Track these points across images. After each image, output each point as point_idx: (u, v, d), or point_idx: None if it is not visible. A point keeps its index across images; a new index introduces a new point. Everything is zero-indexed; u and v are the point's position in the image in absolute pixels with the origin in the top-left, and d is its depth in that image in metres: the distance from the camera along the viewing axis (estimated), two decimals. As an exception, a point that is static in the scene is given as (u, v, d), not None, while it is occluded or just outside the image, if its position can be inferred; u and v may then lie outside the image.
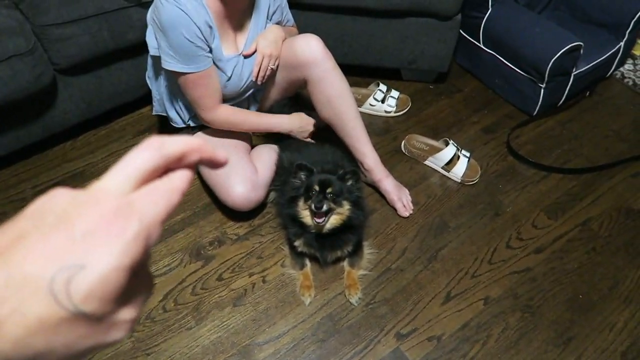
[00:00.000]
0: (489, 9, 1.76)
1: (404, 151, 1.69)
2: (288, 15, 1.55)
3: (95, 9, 1.45)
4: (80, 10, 1.43)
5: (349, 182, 1.28)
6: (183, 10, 1.21)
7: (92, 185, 0.27)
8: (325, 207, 1.23)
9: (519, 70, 1.74)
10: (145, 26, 1.40)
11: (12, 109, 1.45)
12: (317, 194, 1.24)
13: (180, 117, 1.50)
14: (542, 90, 1.70)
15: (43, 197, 0.27)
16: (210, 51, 1.31)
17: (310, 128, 1.56)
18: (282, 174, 1.46)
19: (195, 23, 1.23)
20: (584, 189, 1.61)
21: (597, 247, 1.46)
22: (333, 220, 1.28)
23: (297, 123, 1.54)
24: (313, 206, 1.23)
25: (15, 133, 1.53)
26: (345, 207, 1.27)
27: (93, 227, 0.25)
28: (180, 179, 0.30)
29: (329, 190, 1.24)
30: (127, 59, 1.62)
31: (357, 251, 1.38)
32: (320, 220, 1.26)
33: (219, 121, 1.41)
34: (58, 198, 0.27)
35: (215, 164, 0.34)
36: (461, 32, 1.85)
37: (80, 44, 1.47)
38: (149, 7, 1.39)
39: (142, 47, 1.44)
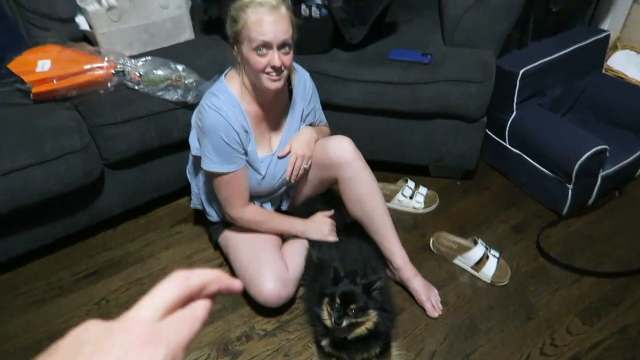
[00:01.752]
0: (513, 112, 1.84)
1: (432, 249, 1.70)
2: (321, 116, 1.66)
3: (146, 110, 1.58)
4: (132, 111, 1.57)
5: (374, 292, 1.24)
6: (223, 116, 1.32)
7: (124, 315, 0.32)
8: (345, 323, 1.20)
9: (545, 170, 1.77)
10: (189, 125, 1.52)
11: (62, 199, 1.55)
12: (339, 308, 1.21)
13: (216, 212, 1.57)
14: (570, 191, 1.72)
15: (77, 328, 0.32)
16: (245, 153, 1.40)
17: (327, 229, 1.57)
18: (311, 270, 1.49)
19: (233, 128, 1.33)
20: (619, 294, 1.57)
21: (636, 356, 1.39)
22: (357, 330, 1.25)
23: (312, 226, 1.57)
24: (333, 320, 1.21)
25: (62, 222, 1.62)
26: (371, 315, 1.24)
27: (127, 354, 0.29)
28: (202, 308, 0.36)
29: (352, 306, 1.20)
30: (170, 154, 1.73)
31: (385, 353, 1.35)
32: (341, 334, 1.25)
33: (244, 220, 1.48)
34: (91, 329, 0.31)
35: (232, 292, 0.39)
36: (487, 131, 1.92)
37: (129, 142, 1.59)
38: (193, 108, 1.52)
39: (185, 144, 1.55)
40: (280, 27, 1.24)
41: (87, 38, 1.81)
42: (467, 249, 1.64)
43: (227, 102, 1.34)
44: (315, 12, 1.68)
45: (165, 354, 0.30)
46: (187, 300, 0.35)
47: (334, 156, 1.46)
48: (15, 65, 1.55)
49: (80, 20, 1.79)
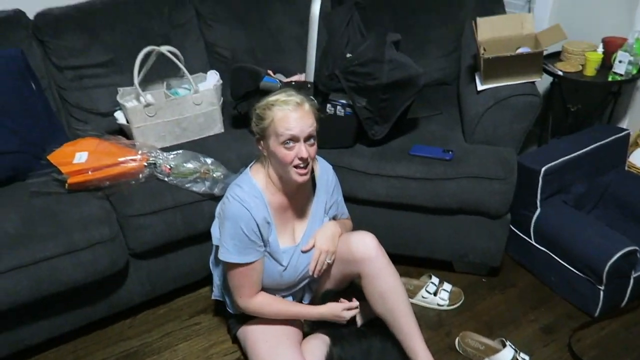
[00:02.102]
0: (537, 209, 1.83)
1: (458, 349, 1.63)
2: (343, 208, 1.68)
3: (174, 202, 1.63)
4: (161, 202, 1.61)
5: None
6: (245, 207, 1.35)
7: None
8: None
9: (575, 270, 1.72)
10: (214, 217, 1.56)
11: (84, 288, 1.56)
12: None
13: (237, 304, 1.55)
14: (602, 292, 1.66)
15: None
16: (264, 245, 1.41)
17: (343, 315, 1.50)
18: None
19: (255, 220, 1.36)
20: (663, 408, 1.45)
21: None
22: None
23: (327, 312, 1.51)
24: None
25: (81, 310, 1.62)
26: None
27: None
28: None
29: None
30: (194, 244, 1.75)
31: None
32: None
33: (252, 309, 1.46)
34: None
35: None
36: (512, 227, 1.90)
37: (156, 232, 1.62)
38: (219, 201, 1.56)
39: (209, 235, 1.57)
40: (306, 122, 1.31)
41: (123, 131, 1.91)
42: (495, 350, 1.57)
43: (250, 193, 1.38)
44: (340, 111, 1.76)
45: None
46: None
47: (357, 252, 1.46)
48: (55, 156, 1.64)
49: (119, 115, 1.90)
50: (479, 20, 1.89)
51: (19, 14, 1.88)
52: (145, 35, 2.03)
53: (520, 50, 1.85)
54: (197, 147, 1.83)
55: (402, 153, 1.78)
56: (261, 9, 2.22)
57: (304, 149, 1.32)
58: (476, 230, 1.79)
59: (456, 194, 1.71)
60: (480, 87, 1.83)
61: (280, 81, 1.80)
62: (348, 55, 1.67)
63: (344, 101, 1.74)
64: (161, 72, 2.01)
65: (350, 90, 1.69)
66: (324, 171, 1.56)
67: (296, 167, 1.33)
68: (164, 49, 1.84)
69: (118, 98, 1.87)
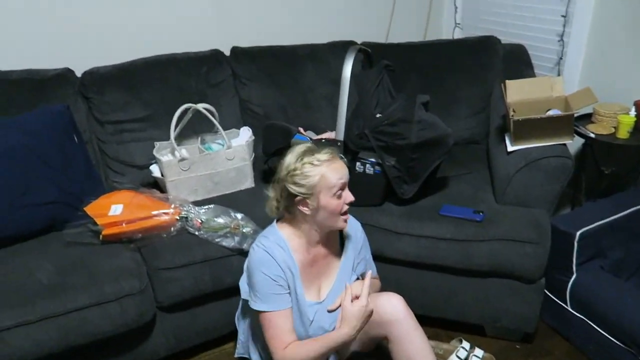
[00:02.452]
0: (573, 274, 1.76)
1: (491, 422, 1.54)
2: (372, 266, 1.66)
3: (203, 256, 1.64)
4: (190, 256, 1.63)
5: None
6: (269, 254, 1.37)
7: None
8: None
9: (615, 340, 1.64)
10: (242, 272, 1.56)
11: (109, 340, 1.56)
12: None
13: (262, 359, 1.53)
14: (646, 365, 1.56)
15: None
16: (291, 294, 1.40)
17: (356, 308, 1.39)
18: None
19: (279, 265, 1.37)
20: None
21: None
22: None
23: (355, 323, 1.41)
24: None
25: (106, 363, 1.62)
26: None
27: None
28: None
29: None
30: (220, 299, 1.74)
31: None
32: None
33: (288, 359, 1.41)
34: None
35: None
36: (547, 292, 1.84)
37: (183, 286, 1.63)
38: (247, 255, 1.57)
39: (236, 290, 1.56)
40: (345, 169, 1.38)
41: (158, 184, 1.97)
42: None
43: (275, 242, 1.40)
44: (369, 169, 1.77)
45: None
46: None
47: (385, 314, 1.43)
48: (92, 208, 1.69)
49: (154, 169, 1.96)
50: (508, 82, 1.91)
51: (68, 72, 2.00)
52: (183, 92, 2.13)
53: (550, 113, 1.85)
54: (228, 201, 1.86)
55: (431, 213, 1.77)
56: (293, 69, 2.31)
57: (349, 194, 1.37)
58: (509, 294, 1.74)
59: (487, 256, 1.67)
60: (510, 148, 1.83)
61: (310, 138, 1.85)
62: (378, 115, 1.70)
63: (373, 160, 1.76)
64: (196, 128, 2.09)
65: (380, 149, 1.71)
66: (353, 228, 1.56)
67: (344, 214, 1.38)
68: (201, 106, 1.92)
69: (154, 152, 1.93)
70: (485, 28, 2.72)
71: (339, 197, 1.36)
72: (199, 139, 2.08)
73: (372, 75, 1.76)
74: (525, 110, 1.87)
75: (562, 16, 2.26)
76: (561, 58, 2.34)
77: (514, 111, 1.84)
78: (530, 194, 1.77)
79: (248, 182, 2.02)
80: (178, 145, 1.94)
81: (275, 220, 1.48)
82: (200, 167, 1.90)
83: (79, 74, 2.04)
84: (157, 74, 2.11)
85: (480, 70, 2.33)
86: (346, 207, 1.39)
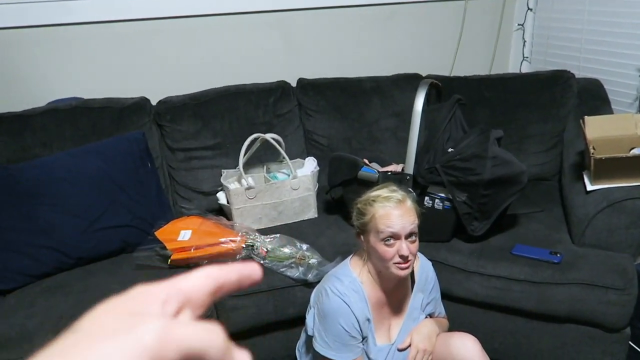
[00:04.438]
0: (662, 325, 1.63)
1: None
2: (440, 307, 1.60)
3: (267, 285, 1.64)
4: (255, 285, 1.62)
5: None
6: (346, 303, 1.31)
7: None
8: None
9: None
10: (305, 303, 1.53)
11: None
12: None
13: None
14: None
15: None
16: (363, 341, 1.35)
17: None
18: None
19: (355, 316, 1.31)
20: None
21: None
22: None
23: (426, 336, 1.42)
24: None
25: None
26: None
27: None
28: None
29: None
30: (281, 329, 1.72)
31: None
32: None
33: None
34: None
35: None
36: (631, 343, 1.69)
37: (247, 314, 1.62)
38: (312, 287, 1.54)
39: (297, 321, 1.54)
40: (407, 220, 1.28)
41: (223, 210, 2.00)
42: None
43: (350, 287, 1.35)
44: (439, 205, 1.73)
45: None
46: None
47: (458, 355, 1.36)
48: (162, 232, 1.73)
49: (220, 196, 2.00)
50: (588, 119, 1.83)
51: (144, 101, 2.10)
52: (251, 122, 2.17)
53: (635, 151, 1.75)
54: (292, 231, 1.86)
55: (503, 252, 1.69)
56: (358, 101, 2.32)
57: (404, 247, 1.28)
58: (588, 343, 1.61)
59: (565, 300, 1.57)
60: (590, 187, 1.73)
61: (377, 171, 1.82)
62: (450, 149, 1.66)
63: (442, 195, 1.71)
64: (262, 157, 2.13)
65: (450, 184, 1.67)
66: (424, 268, 1.51)
67: (397, 262, 1.30)
68: (269, 136, 1.95)
69: (222, 180, 1.97)
70: (555, 62, 2.64)
71: (390, 245, 1.28)
72: (265, 167, 2.10)
73: (445, 108, 1.73)
74: (606, 148, 1.77)
75: (644, 50, 2.16)
76: (642, 93, 2.22)
77: (593, 148, 1.75)
78: (612, 237, 1.66)
79: (311, 213, 2.01)
80: (245, 173, 1.97)
81: (349, 258, 1.46)
82: (265, 196, 1.92)
83: (154, 102, 2.13)
84: (227, 104, 2.17)
85: (553, 106, 2.25)
86: (398, 259, 1.29)
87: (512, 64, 2.92)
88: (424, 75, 2.48)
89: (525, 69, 2.85)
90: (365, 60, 2.59)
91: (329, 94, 2.31)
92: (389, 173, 1.91)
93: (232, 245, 1.67)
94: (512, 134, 2.24)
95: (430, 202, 1.73)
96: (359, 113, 2.31)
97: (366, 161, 2.06)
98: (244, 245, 1.69)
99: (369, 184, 1.81)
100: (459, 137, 1.70)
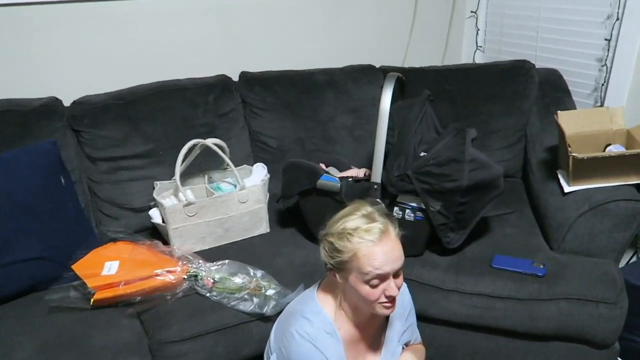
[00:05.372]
0: (648, 335, 1.52)
1: None
2: (416, 332, 1.41)
3: (217, 323, 1.37)
4: (201, 324, 1.35)
5: None
6: (319, 349, 1.09)
7: None
8: None
9: None
10: (262, 340, 1.33)
11: None
12: None
13: None
14: None
15: None
16: None
17: None
18: None
19: None
20: None
21: None
22: None
23: None
24: None
25: None
26: None
27: None
28: None
29: None
30: (236, 372, 1.46)
31: None
32: None
33: None
34: None
35: None
36: (620, 359, 1.58)
37: (194, 361, 1.35)
38: (271, 320, 1.31)
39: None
40: (395, 255, 1.07)
41: (158, 230, 1.70)
42: None
43: (321, 328, 1.12)
44: (409, 215, 1.53)
45: None
46: None
47: None
48: (81, 266, 1.41)
49: (154, 214, 1.70)
50: (561, 113, 1.69)
51: (55, 102, 1.74)
52: (188, 124, 1.88)
53: (611, 148, 1.63)
54: (242, 252, 1.62)
55: (482, 265, 1.52)
56: (310, 96, 2.08)
57: (393, 286, 1.07)
58: (575, 361, 1.48)
59: (553, 317, 1.42)
60: (568, 189, 1.60)
61: (339, 179, 1.59)
62: (422, 153, 1.46)
63: (414, 204, 1.51)
64: (202, 164, 1.84)
65: (424, 192, 1.47)
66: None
67: (382, 302, 1.08)
68: (211, 141, 1.67)
69: (155, 194, 1.67)
70: (509, 51, 2.53)
71: (375, 286, 1.07)
72: (206, 177, 1.82)
73: (415, 107, 1.52)
74: (581, 144, 1.64)
75: (606, 39, 2.06)
76: (603, 84, 2.13)
77: (569, 146, 1.62)
78: (594, 242, 1.53)
79: (263, 227, 1.76)
80: (182, 184, 1.68)
81: (315, 289, 1.22)
82: (209, 212, 1.64)
83: (67, 103, 1.77)
84: (159, 103, 1.85)
85: (516, 98, 2.11)
86: (384, 299, 1.09)
87: (465, 54, 2.78)
88: (377, 66, 2.27)
89: (479, 58, 2.72)
90: (313, 50, 2.34)
91: (277, 89, 2.05)
92: (350, 179, 1.69)
93: (171, 278, 1.38)
94: (475, 129, 2.08)
95: (401, 212, 1.53)
96: (312, 110, 2.07)
97: (323, 166, 1.83)
98: (185, 277, 1.41)
99: (330, 194, 1.58)
100: (431, 139, 1.51)
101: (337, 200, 1.56)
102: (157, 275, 1.38)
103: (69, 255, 1.46)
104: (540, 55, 2.37)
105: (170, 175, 1.76)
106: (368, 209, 1.12)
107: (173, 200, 1.67)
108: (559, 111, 1.70)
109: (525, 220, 1.78)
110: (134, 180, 1.79)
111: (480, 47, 2.70)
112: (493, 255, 1.55)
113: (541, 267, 1.47)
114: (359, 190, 1.53)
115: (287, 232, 1.77)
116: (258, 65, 2.12)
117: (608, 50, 2.08)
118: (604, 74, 2.12)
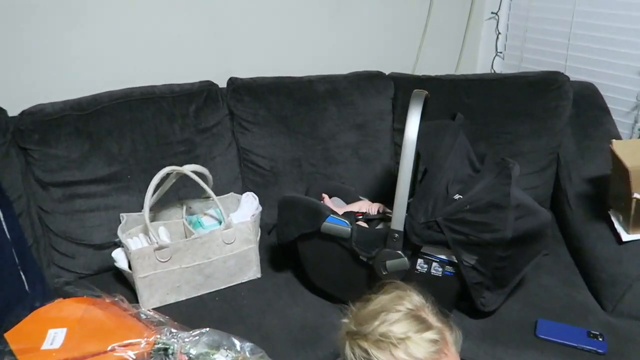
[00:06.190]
0: None
1: None
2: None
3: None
4: (171, 416, 1.04)
5: None
6: None
7: None
8: None
9: None
10: None
11: None
12: None
13: None
14: None
15: None
16: None
17: None
18: None
19: None
20: None
21: None
22: None
23: None
24: None
25: None
26: None
27: None
28: None
29: None
30: None
31: None
32: None
33: None
34: None
35: None
36: None
37: None
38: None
39: None
40: None
41: (120, 273, 1.38)
42: None
43: None
44: (437, 270, 1.23)
45: None
46: None
47: None
48: (17, 335, 1.08)
49: (118, 256, 1.37)
50: (616, 142, 1.40)
51: (-4, 113, 1.40)
52: (163, 141, 1.55)
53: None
54: (224, 305, 1.32)
55: (524, 333, 1.23)
56: (310, 109, 1.76)
57: None
58: None
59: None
60: (626, 237, 1.32)
61: (347, 217, 1.29)
62: (457, 196, 1.16)
63: (443, 257, 1.21)
64: (180, 191, 1.53)
65: (456, 244, 1.16)
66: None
67: None
68: (189, 168, 1.35)
69: (120, 231, 1.35)
70: (532, 59, 2.25)
71: None
72: (184, 207, 1.50)
73: (447, 134, 1.21)
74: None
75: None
76: (646, 101, 1.86)
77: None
78: (659, 306, 1.26)
79: (252, 272, 1.45)
80: (155, 220, 1.36)
81: None
82: (186, 256, 1.32)
83: (13, 114, 1.44)
84: (127, 115, 1.52)
85: (547, 117, 1.83)
86: None
87: (482, 60, 2.49)
88: (386, 73, 1.96)
89: (498, 66, 2.43)
90: (314, 53, 2.02)
91: (271, 100, 1.72)
92: (360, 217, 1.38)
93: (132, 355, 1.06)
94: (499, 150, 1.79)
95: (426, 266, 1.23)
96: (311, 125, 1.75)
97: (326, 197, 1.52)
98: (152, 351, 1.09)
99: (337, 239, 1.27)
100: (466, 177, 1.20)
101: (345, 247, 1.26)
102: (114, 350, 1.06)
103: (2, 318, 1.13)
104: (571, 66, 2.09)
105: (139, 205, 1.43)
106: (414, 300, 0.82)
107: (142, 241, 1.35)
108: (613, 140, 1.41)
109: (563, 266, 1.51)
110: (95, 211, 1.46)
111: (500, 53, 2.41)
112: (536, 320, 1.26)
113: (600, 340, 1.19)
114: (374, 237, 1.23)
115: (282, 278, 1.46)
116: (249, 69, 1.79)
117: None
118: (648, 89, 1.85)
